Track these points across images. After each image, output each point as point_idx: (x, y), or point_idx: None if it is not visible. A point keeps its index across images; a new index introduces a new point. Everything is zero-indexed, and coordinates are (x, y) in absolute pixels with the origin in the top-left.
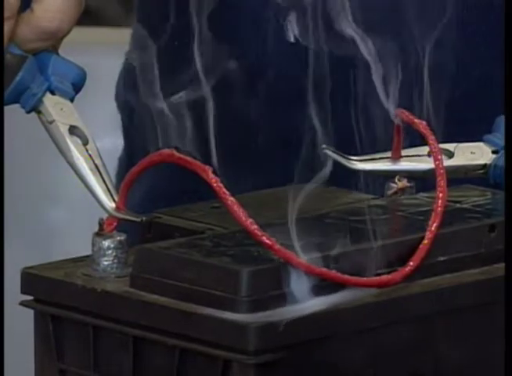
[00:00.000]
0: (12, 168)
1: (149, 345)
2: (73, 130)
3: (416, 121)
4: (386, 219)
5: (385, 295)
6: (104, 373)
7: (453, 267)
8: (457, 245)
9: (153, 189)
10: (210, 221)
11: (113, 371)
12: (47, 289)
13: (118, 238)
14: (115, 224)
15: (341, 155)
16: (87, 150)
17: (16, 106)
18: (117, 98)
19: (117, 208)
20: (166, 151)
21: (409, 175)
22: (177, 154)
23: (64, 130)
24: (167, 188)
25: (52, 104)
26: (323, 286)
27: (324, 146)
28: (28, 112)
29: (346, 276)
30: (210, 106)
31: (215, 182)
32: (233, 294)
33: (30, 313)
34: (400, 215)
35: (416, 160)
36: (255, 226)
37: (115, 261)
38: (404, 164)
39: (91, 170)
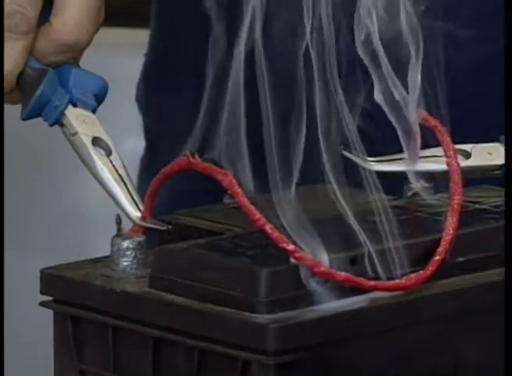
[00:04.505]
0: (35, 170)
1: (168, 346)
2: (96, 141)
3: (432, 121)
4: (405, 220)
5: (405, 296)
6: (124, 373)
7: (472, 268)
8: (476, 246)
9: (177, 188)
10: (229, 222)
11: (133, 372)
12: (66, 290)
13: (137, 239)
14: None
15: (358, 156)
16: (110, 161)
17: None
18: (138, 98)
19: (143, 218)
20: (185, 159)
21: (426, 176)
22: (196, 162)
23: (87, 141)
24: (190, 187)
25: (75, 117)
26: (344, 287)
27: (341, 146)
28: (51, 125)
29: (361, 279)
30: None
31: (235, 187)
32: (252, 294)
33: (49, 314)
34: (419, 216)
35: (433, 161)
36: (276, 233)
37: (134, 261)
38: (421, 165)
39: (115, 180)
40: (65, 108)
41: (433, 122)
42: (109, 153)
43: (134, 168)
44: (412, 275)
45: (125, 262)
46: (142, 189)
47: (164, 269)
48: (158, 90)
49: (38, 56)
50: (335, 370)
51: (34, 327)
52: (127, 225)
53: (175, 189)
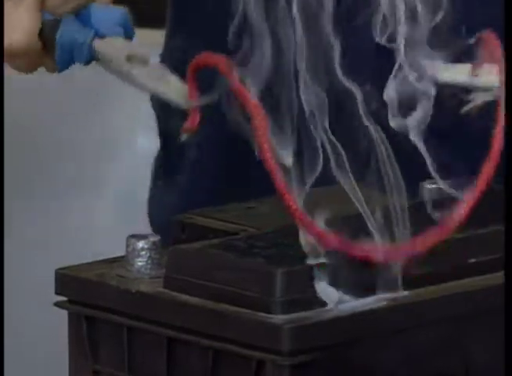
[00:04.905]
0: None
1: (183, 346)
2: (131, 58)
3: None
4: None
5: (417, 297)
6: (138, 373)
7: (484, 269)
8: (487, 247)
9: (198, 187)
10: (244, 222)
11: (147, 372)
12: (81, 290)
13: (152, 239)
14: (198, 119)
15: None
16: (148, 66)
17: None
18: (152, 97)
19: (191, 98)
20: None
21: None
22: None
23: (122, 61)
24: (211, 186)
25: (105, 46)
26: (358, 288)
27: None
28: (86, 63)
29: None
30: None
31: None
32: (267, 295)
33: (64, 314)
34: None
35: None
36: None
37: (149, 262)
38: (482, 80)
39: (158, 79)
40: (91, 41)
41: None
42: (146, 63)
43: (144, 166)
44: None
45: (140, 262)
46: (156, 185)
47: (179, 269)
48: None
49: (50, 10)
50: (349, 371)
51: (35, 327)
52: (136, 230)
53: (183, 186)
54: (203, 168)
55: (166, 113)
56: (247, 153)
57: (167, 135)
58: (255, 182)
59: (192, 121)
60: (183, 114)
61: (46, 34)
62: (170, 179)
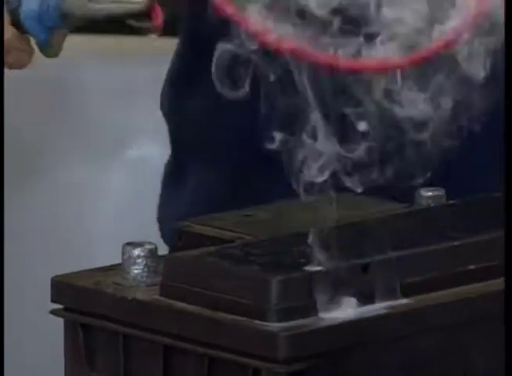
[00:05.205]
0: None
1: (178, 354)
2: None
3: None
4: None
5: (416, 304)
6: None
7: (482, 276)
8: (487, 254)
9: (196, 189)
10: (240, 230)
11: None
12: (77, 298)
13: (148, 247)
14: (161, 16)
15: None
16: None
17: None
18: (163, 106)
19: None
20: None
21: None
22: None
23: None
24: (219, 192)
25: None
26: (355, 296)
27: None
28: (58, 23)
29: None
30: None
31: None
32: (263, 302)
33: (60, 322)
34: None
35: None
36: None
37: (145, 269)
38: None
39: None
40: None
41: None
42: None
43: (153, 174)
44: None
45: (136, 270)
46: (166, 192)
47: (175, 276)
48: (184, 97)
49: None
50: None
51: (45, 335)
52: (138, 238)
53: (194, 191)
54: (213, 173)
55: (177, 121)
56: (256, 159)
57: (177, 142)
58: (264, 188)
59: (156, 20)
60: (195, 121)
61: (16, 19)
62: (179, 185)
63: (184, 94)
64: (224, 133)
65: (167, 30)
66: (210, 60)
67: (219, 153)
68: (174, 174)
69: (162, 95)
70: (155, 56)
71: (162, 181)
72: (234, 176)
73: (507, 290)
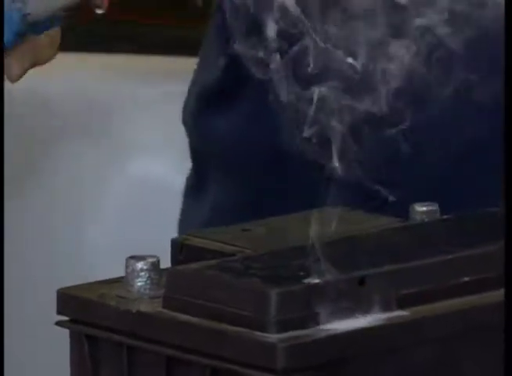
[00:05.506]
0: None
1: (181, 364)
2: None
3: None
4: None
5: (413, 315)
6: None
7: (478, 288)
8: (481, 267)
9: (217, 204)
10: (240, 243)
11: None
12: (82, 310)
13: (150, 260)
14: None
15: None
16: None
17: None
18: (185, 121)
19: None
20: None
21: None
22: None
23: None
24: (230, 201)
25: None
26: (352, 308)
27: None
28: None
29: None
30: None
31: None
32: (263, 314)
33: (66, 333)
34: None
35: None
36: None
37: (148, 282)
38: None
39: None
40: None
41: None
42: None
43: (168, 190)
44: None
45: (139, 283)
46: (187, 206)
47: (177, 289)
48: (207, 114)
49: None
50: None
51: (51, 347)
52: (141, 251)
53: (215, 205)
54: (233, 187)
55: (199, 136)
56: (275, 172)
57: (199, 157)
58: (284, 199)
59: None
60: (221, 137)
61: None
62: (201, 199)
63: (213, 110)
64: (247, 147)
65: (175, 50)
66: (245, 77)
67: (242, 166)
68: (196, 186)
69: (184, 110)
70: (159, 74)
71: (183, 194)
72: (257, 190)
73: (507, 299)
